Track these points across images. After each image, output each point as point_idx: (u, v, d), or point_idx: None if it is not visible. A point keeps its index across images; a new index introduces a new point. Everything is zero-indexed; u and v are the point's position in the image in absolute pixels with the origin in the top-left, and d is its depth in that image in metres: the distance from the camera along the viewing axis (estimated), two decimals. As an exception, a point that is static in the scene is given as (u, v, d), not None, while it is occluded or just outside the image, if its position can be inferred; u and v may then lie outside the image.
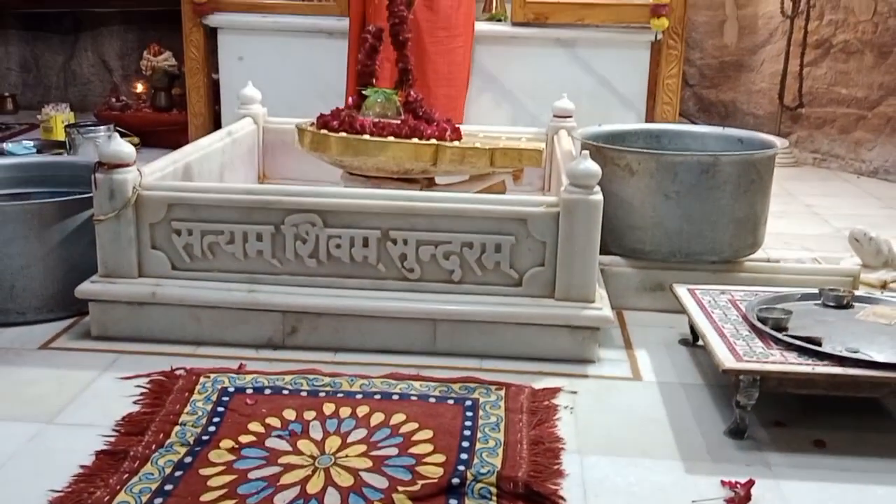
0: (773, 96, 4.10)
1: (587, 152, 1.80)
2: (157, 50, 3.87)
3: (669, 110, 3.59)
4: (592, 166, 1.77)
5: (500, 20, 3.69)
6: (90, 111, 4.84)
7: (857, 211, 3.14)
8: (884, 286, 2.16)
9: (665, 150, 2.34)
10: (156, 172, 1.95)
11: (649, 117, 3.67)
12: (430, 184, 2.24)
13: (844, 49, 3.86)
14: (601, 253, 1.91)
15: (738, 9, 4.26)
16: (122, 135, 3.64)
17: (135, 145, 3.75)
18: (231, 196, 1.83)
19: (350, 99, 2.31)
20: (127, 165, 1.82)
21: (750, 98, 4.27)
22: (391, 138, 2.09)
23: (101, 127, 3.19)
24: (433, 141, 2.11)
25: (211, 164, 2.33)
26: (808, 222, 2.98)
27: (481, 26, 3.53)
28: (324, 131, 2.13)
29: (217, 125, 3.82)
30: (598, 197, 1.77)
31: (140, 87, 4.10)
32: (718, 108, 4.42)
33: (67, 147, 3.22)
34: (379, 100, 2.23)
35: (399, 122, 2.14)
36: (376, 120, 2.14)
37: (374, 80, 2.26)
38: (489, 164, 2.15)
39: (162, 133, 3.88)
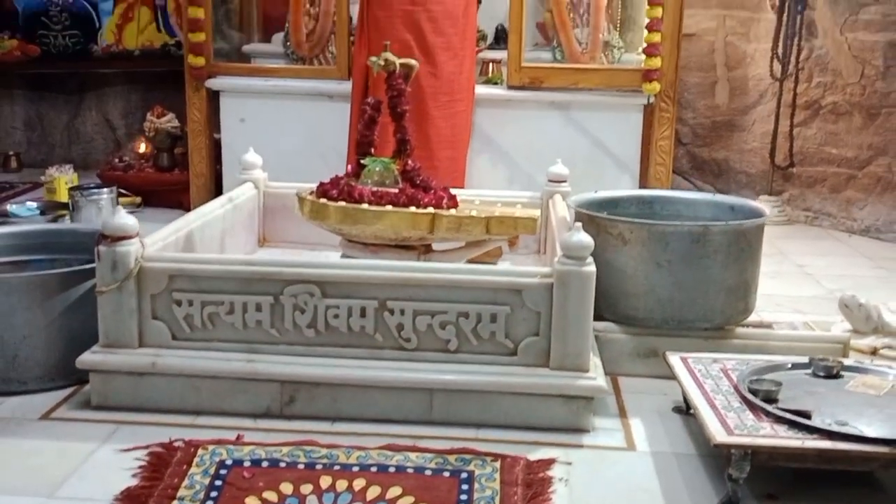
0: (764, 155, 4.17)
1: (580, 224, 1.84)
2: (161, 112, 3.95)
3: (663, 171, 3.65)
4: (585, 238, 1.81)
5: (496, 83, 3.78)
6: (93, 169, 4.91)
7: (848, 271, 3.18)
8: (874, 352, 2.19)
9: (658, 217, 2.39)
10: (157, 242, 1.99)
11: (643, 178, 3.73)
12: (427, 250, 2.28)
13: (833, 110, 3.94)
14: (596, 319, 1.95)
15: (728, 70, 4.35)
16: (124, 195, 3.76)
17: (136, 205, 3.87)
18: (231, 267, 1.87)
19: (349, 167, 2.37)
20: (130, 237, 1.86)
21: (742, 157, 4.34)
22: (389, 207, 2.14)
23: (104, 189, 3.24)
24: (430, 209, 2.16)
25: (212, 231, 2.37)
26: (801, 283, 3.02)
27: (479, 89, 3.60)
28: (323, 200, 2.18)
29: (218, 185, 3.88)
30: (591, 268, 1.81)
31: (143, 147, 4.16)
32: (712, 167, 4.48)
33: (70, 209, 3.27)
34: (377, 168, 2.28)
35: (397, 190, 2.19)
36: (375, 189, 2.19)
37: (372, 150, 2.32)
38: (485, 231, 2.20)
39: (164, 193, 3.94)
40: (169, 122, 3.94)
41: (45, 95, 5.10)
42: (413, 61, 2.31)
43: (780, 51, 3.96)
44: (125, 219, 1.86)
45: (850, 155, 3.89)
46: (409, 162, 2.28)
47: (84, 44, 4.85)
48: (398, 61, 2.26)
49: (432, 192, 2.24)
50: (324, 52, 4.06)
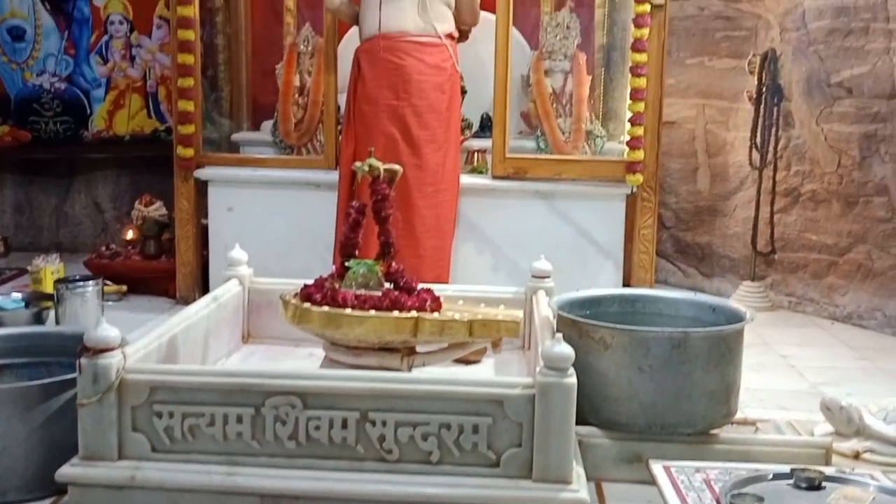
0: (746, 240, 4.22)
1: (560, 335, 1.86)
2: (149, 200, 3.98)
3: (646, 259, 3.69)
4: (566, 350, 1.82)
5: (481, 172, 3.84)
6: (81, 252, 4.94)
7: (832, 363, 3.20)
8: (856, 456, 2.19)
9: (640, 315, 2.42)
10: (139, 351, 1.99)
11: (627, 265, 3.77)
12: (410, 352, 2.28)
13: (812, 198, 4.01)
14: (579, 423, 1.95)
15: (709, 157, 4.44)
16: (109, 284, 3.77)
17: (122, 294, 3.87)
18: (212, 379, 1.88)
19: (335, 267, 2.39)
20: (111, 349, 1.86)
21: (725, 241, 4.39)
22: (372, 312, 2.15)
23: (90, 282, 3.24)
24: (413, 313, 2.17)
25: (196, 333, 2.37)
26: (785, 376, 3.03)
27: (464, 179, 3.65)
28: (307, 305, 2.19)
29: (205, 273, 3.90)
30: (573, 380, 1.82)
31: (130, 234, 4.19)
32: (695, 250, 4.53)
33: (56, 300, 3.26)
34: (361, 270, 2.30)
35: (380, 293, 2.21)
36: (359, 293, 2.21)
37: (356, 252, 2.34)
38: (468, 334, 2.21)
39: (150, 280, 3.95)
40: (157, 210, 3.97)
41: (35, 179, 5.14)
42: (397, 166, 2.35)
43: (758, 141, 4.05)
44: (107, 331, 1.87)
45: (831, 242, 3.95)
46: (393, 264, 2.31)
47: (75, 129, 4.91)
48: (382, 167, 2.30)
49: (416, 293, 2.26)
50: (312, 141, 4.12)
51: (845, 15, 3.72)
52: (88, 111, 4.90)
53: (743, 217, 4.29)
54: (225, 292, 2.66)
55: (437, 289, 2.48)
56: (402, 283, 2.28)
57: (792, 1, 3.94)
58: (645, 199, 3.62)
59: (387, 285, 2.28)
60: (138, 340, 2.04)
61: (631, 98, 3.52)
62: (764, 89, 4.00)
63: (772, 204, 4.08)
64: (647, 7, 3.43)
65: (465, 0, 3.49)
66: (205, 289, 3.90)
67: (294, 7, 4.58)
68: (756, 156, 4.06)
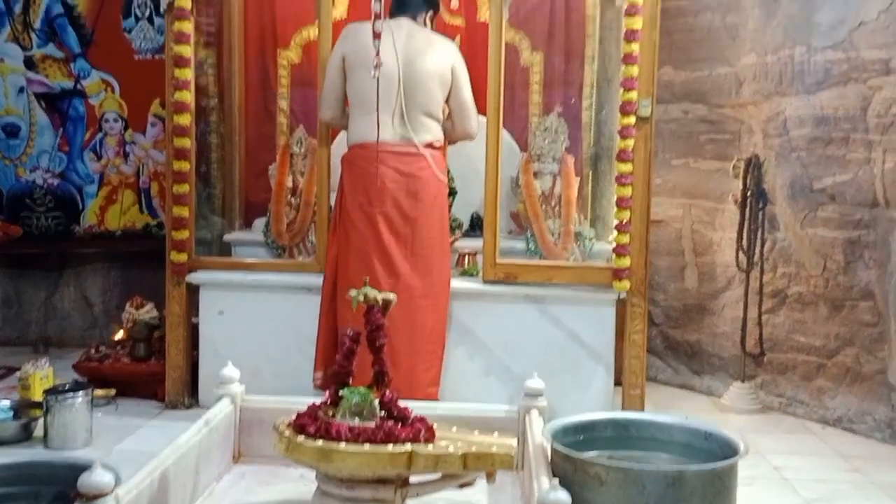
0: (735, 340, 4.25)
1: (556, 481, 1.86)
2: (140, 302, 3.98)
3: (637, 364, 3.71)
4: (562, 497, 1.82)
5: (472, 275, 3.87)
6: (69, 347, 4.94)
7: (824, 475, 3.20)
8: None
9: (634, 440, 2.43)
10: (132, 492, 1.97)
11: (618, 370, 3.79)
12: (404, 483, 2.27)
13: (799, 300, 4.05)
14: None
15: (696, 256, 4.49)
16: (98, 388, 3.74)
17: (111, 397, 3.84)
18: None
19: (328, 395, 2.39)
20: (104, 495, 1.84)
21: (714, 340, 4.42)
22: (367, 446, 2.15)
23: (79, 393, 3.23)
24: (408, 446, 2.17)
25: (187, 461, 2.36)
26: (777, 492, 3.03)
27: (455, 283, 3.70)
28: (301, 438, 2.19)
29: (195, 375, 3.89)
30: (569, 527, 1.82)
31: (119, 335, 4.17)
32: (685, 348, 4.55)
33: (45, 410, 3.24)
34: (355, 399, 2.30)
35: (374, 425, 2.21)
36: (352, 425, 2.21)
37: (350, 380, 2.35)
38: (462, 467, 2.21)
39: (139, 384, 3.92)
40: (148, 312, 3.97)
41: (24, 272, 5.14)
42: (392, 295, 2.37)
43: (744, 244, 4.11)
44: (101, 476, 1.85)
45: (819, 344, 3.98)
46: (387, 393, 2.31)
47: (66, 224, 4.93)
48: (378, 296, 2.32)
49: (410, 423, 2.26)
50: (303, 241, 4.16)
51: (826, 124, 3.82)
52: (80, 207, 4.92)
53: (731, 317, 4.33)
54: (216, 414, 2.65)
55: (429, 407, 2.49)
56: (395, 413, 2.28)
57: (773, 108, 4.04)
58: (635, 305, 3.66)
59: (380, 414, 2.29)
60: (130, 479, 2.02)
61: (617, 206, 3.58)
62: (749, 193, 4.08)
63: (759, 305, 4.12)
64: (633, 119, 3.52)
65: (457, 114, 3.59)
66: (193, 392, 3.89)
67: (287, 108, 4.68)
68: (743, 258, 4.11)
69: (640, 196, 3.57)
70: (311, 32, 4.59)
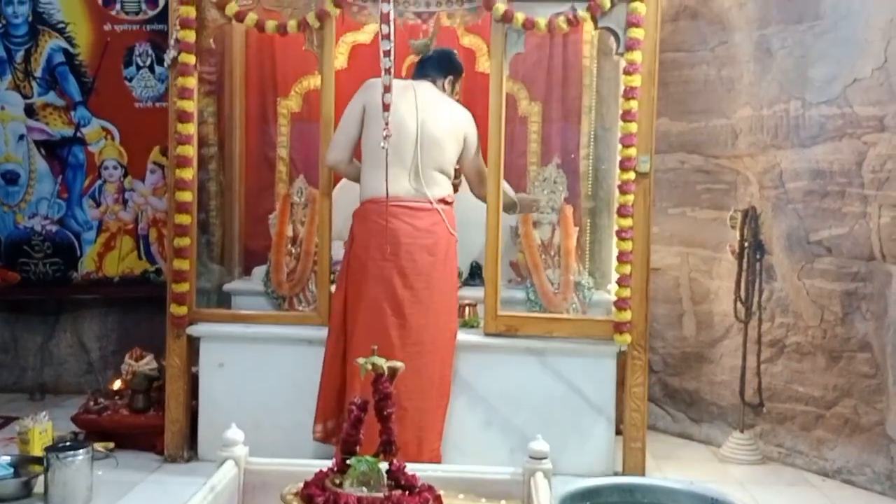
0: (734, 389, 4.27)
1: (568, 559, 1.87)
2: (139, 354, 3.98)
3: (638, 417, 3.72)
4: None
5: (472, 326, 3.88)
6: (64, 393, 4.93)
7: (827, 531, 3.21)
8: None
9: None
10: (142, 568, 1.96)
11: (619, 422, 3.80)
12: (411, 553, 2.27)
13: (797, 350, 4.08)
14: None
15: (694, 305, 4.52)
16: (96, 440, 3.72)
17: (109, 450, 3.82)
18: None
19: (335, 462, 2.39)
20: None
21: (712, 389, 4.44)
22: (375, 518, 2.15)
23: (80, 451, 3.21)
24: (415, 518, 2.18)
25: (194, 531, 2.34)
26: (782, 549, 3.03)
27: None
28: (309, 510, 2.19)
29: (193, 426, 3.87)
30: None
31: (118, 384, 4.16)
32: (683, 396, 4.57)
33: (46, 468, 3.22)
34: (362, 468, 2.30)
35: (383, 496, 2.21)
36: (361, 495, 2.21)
37: (358, 449, 2.35)
38: (470, 538, 2.21)
39: (138, 436, 3.91)
40: (147, 364, 3.96)
41: (21, 318, 5.12)
42: (399, 363, 2.38)
43: (742, 294, 4.14)
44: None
45: (817, 394, 4.00)
46: (395, 462, 2.32)
47: (64, 271, 4.92)
48: (385, 364, 2.33)
49: (417, 492, 2.27)
50: (304, 291, 4.17)
51: (821, 178, 3.87)
52: (79, 253, 4.92)
53: (730, 366, 4.34)
54: (221, 479, 2.63)
55: (435, 471, 2.49)
56: (403, 482, 2.28)
57: (769, 161, 4.09)
58: (635, 358, 3.68)
59: (388, 483, 2.29)
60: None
61: (618, 260, 3.61)
62: (746, 244, 4.11)
63: (758, 355, 4.14)
64: (633, 175, 3.56)
65: (471, 170, 3.65)
66: (192, 444, 3.87)
67: (287, 156, 4.71)
68: (741, 308, 4.14)
69: (641, 250, 3.60)
70: (312, 82, 4.65)
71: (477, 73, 4.55)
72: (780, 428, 4.14)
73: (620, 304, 3.59)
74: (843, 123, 3.76)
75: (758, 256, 4.11)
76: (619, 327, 3.60)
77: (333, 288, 3.86)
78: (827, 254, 3.90)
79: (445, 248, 3.55)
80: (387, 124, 2.95)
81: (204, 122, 4.37)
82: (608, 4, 3.53)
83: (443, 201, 3.58)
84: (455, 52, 3.99)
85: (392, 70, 3.03)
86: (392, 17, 3.06)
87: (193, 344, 3.85)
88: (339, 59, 4.64)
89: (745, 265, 4.14)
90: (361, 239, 3.53)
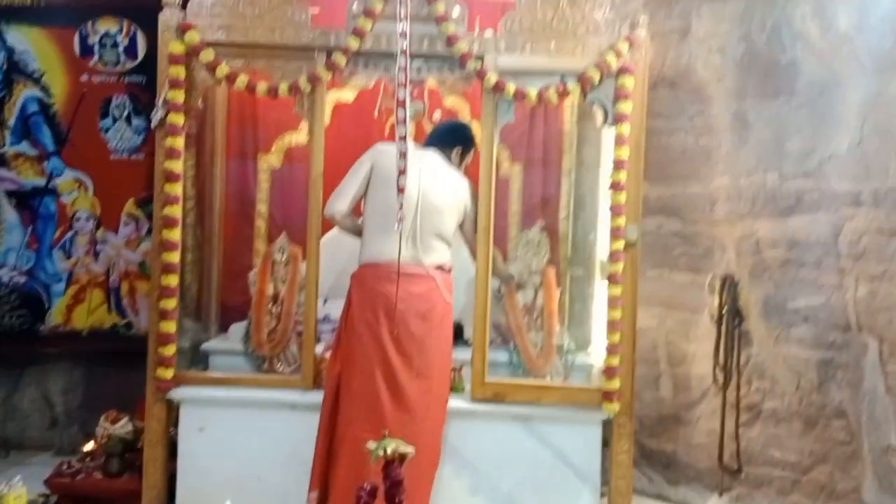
0: (710, 452, 4.32)
1: None
2: (115, 417, 3.88)
3: (623, 484, 3.76)
4: None
5: (458, 391, 3.87)
6: (28, 448, 4.80)
7: None
8: None
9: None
10: None
11: (604, 489, 3.81)
12: None
13: (773, 415, 4.15)
14: None
15: (671, 367, 4.58)
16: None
17: (85, 517, 3.71)
18: None
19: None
20: None
21: (689, 451, 4.48)
22: None
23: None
24: None
25: None
26: None
27: (443, 402, 3.70)
28: None
29: (171, 492, 3.78)
30: None
31: (90, 446, 4.05)
32: (661, 458, 4.60)
33: (20, 536, 3.11)
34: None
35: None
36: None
37: (366, 533, 2.32)
38: None
39: (114, 501, 3.80)
40: (123, 427, 3.86)
41: (-16, 370, 4.97)
42: (410, 448, 2.37)
43: (720, 358, 4.21)
44: None
45: (794, 460, 4.07)
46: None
47: (31, 323, 4.79)
48: (399, 450, 2.32)
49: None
50: (284, 352, 4.12)
51: (798, 248, 3.98)
52: (47, 305, 4.80)
53: (706, 429, 4.40)
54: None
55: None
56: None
57: (747, 229, 4.19)
58: (621, 426, 3.71)
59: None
60: None
61: (608, 328, 3.65)
62: (725, 310, 4.19)
63: (737, 419, 4.20)
64: (622, 244, 3.61)
65: (471, 234, 3.68)
66: (170, 509, 3.78)
67: (266, 212, 4.68)
68: (720, 373, 4.21)
69: (629, 318, 3.65)
70: (294, 138, 4.64)
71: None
72: (756, 493, 4.19)
73: (609, 373, 3.63)
74: (820, 197, 3.88)
75: (736, 323, 4.19)
76: (607, 395, 3.63)
77: (319, 348, 3.84)
78: (803, 322, 3.99)
79: (441, 314, 3.56)
80: (400, 190, 2.96)
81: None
82: (597, 79, 3.60)
83: (440, 268, 3.60)
84: (468, 125, 4.04)
85: (407, 138, 3.06)
86: (407, 81, 3.08)
87: (173, 407, 3.77)
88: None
89: (723, 330, 4.21)
90: (358, 302, 3.53)
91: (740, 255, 4.27)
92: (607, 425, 3.76)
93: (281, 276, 4.20)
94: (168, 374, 3.65)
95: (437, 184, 3.65)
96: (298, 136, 4.66)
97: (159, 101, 3.65)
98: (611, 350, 3.63)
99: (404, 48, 3.08)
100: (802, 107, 4.00)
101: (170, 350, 3.65)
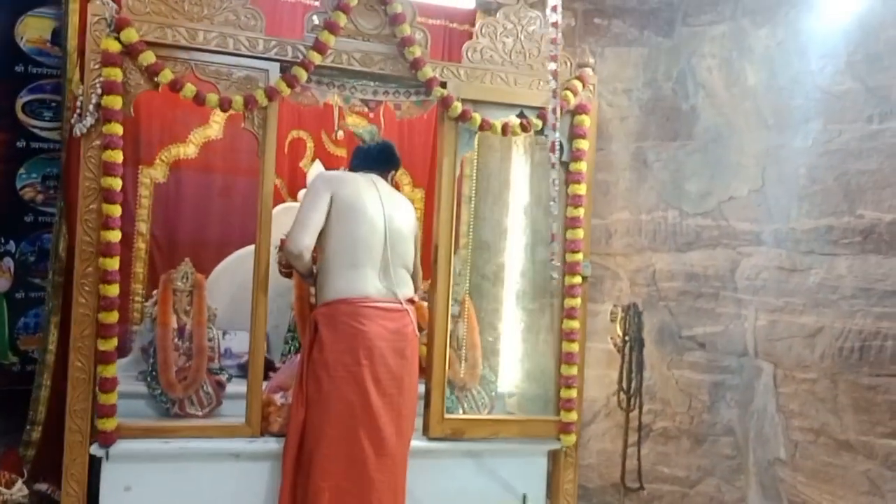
0: (601, 471, 4.55)
1: None
2: (9, 480, 3.20)
3: (568, 513, 3.83)
4: None
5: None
6: None
7: None
8: None
9: None
10: None
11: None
12: None
13: (664, 434, 4.48)
14: None
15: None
16: None
17: None
18: None
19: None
20: None
21: (581, 472, 4.67)
22: None
23: None
24: None
25: None
26: None
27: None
28: None
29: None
30: None
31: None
32: (548, 480, 4.75)
33: None
34: None
35: None
36: None
37: None
38: None
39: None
40: (19, 491, 3.20)
41: None
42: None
43: (624, 384, 4.45)
44: None
45: (682, 475, 4.42)
46: None
47: None
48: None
49: None
50: (197, 393, 3.67)
51: (695, 280, 4.34)
52: None
53: (597, 449, 4.63)
54: None
55: None
56: None
57: (644, 261, 4.49)
58: (568, 455, 3.79)
59: None
60: None
61: (564, 362, 3.71)
62: (627, 338, 4.45)
63: (638, 440, 4.44)
64: (579, 279, 3.70)
65: (417, 272, 3.55)
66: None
67: (147, 231, 4.16)
68: (623, 397, 4.44)
69: (581, 350, 3.74)
70: (181, 150, 4.19)
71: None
72: (649, 508, 4.50)
73: (567, 405, 3.69)
74: (719, 234, 4.27)
75: (639, 350, 4.45)
76: (565, 427, 3.68)
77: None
78: (698, 347, 4.36)
79: (414, 350, 3.39)
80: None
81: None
82: (558, 115, 3.66)
83: (411, 301, 3.42)
84: (393, 144, 3.85)
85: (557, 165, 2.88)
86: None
87: (93, 464, 3.20)
88: (214, 129, 4.24)
89: (626, 357, 4.46)
90: (330, 343, 3.23)
91: (634, 286, 4.56)
92: (554, 457, 3.81)
93: (183, 307, 3.75)
94: (111, 424, 3.09)
95: (398, 210, 3.47)
96: (187, 149, 4.21)
97: (89, 107, 3.09)
98: (568, 383, 3.70)
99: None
100: (696, 151, 4.38)
101: (111, 398, 3.09)
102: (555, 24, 2.88)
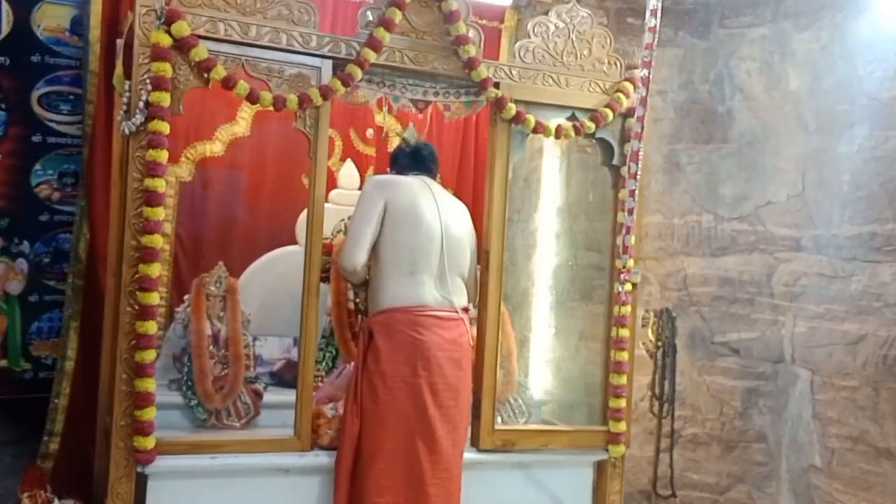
0: (629, 478, 4.48)
1: None
2: (45, 499, 3.00)
3: (613, 525, 3.75)
4: None
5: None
6: None
7: None
8: None
9: None
10: None
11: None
12: None
13: (693, 440, 4.44)
14: None
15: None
16: None
17: None
18: None
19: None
20: None
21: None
22: None
23: None
24: None
25: None
26: None
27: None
28: None
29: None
30: None
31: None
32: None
33: None
34: None
35: None
36: None
37: None
38: None
39: None
40: (60, 512, 3.01)
41: None
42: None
43: (657, 390, 4.40)
44: None
45: (712, 481, 4.39)
46: None
47: None
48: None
49: None
50: (235, 403, 3.51)
51: (730, 285, 4.30)
52: None
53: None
54: None
55: None
56: None
57: (674, 266, 4.44)
58: (615, 466, 3.70)
59: None
60: None
61: (614, 371, 3.63)
62: (660, 344, 4.39)
63: (671, 447, 4.41)
64: (630, 286, 3.62)
65: (473, 276, 3.45)
66: None
67: (172, 232, 3.98)
68: (656, 404, 4.40)
69: (631, 359, 3.67)
70: (209, 148, 4.00)
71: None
72: (679, 513, 4.46)
73: (616, 415, 3.61)
74: (756, 239, 4.23)
75: (671, 355, 4.40)
76: (614, 438, 3.60)
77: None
78: (732, 354, 4.32)
79: (470, 360, 3.28)
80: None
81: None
82: (610, 116, 3.57)
83: (466, 310, 3.30)
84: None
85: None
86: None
87: (139, 482, 3.02)
88: (242, 125, 4.07)
89: (660, 364, 4.40)
90: (387, 353, 3.10)
91: (665, 290, 4.50)
92: (600, 468, 3.73)
93: (216, 313, 3.59)
94: (149, 443, 2.91)
95: (455, 214, 3.36)
96: (213, 147, 4.03)
97: (139, 104, 2.90)
98: (616, 392, 3.61)
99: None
100: (731, 155, 4.34)
101: (149, 413, 2.91)
102: (652, 29, 2.78)
